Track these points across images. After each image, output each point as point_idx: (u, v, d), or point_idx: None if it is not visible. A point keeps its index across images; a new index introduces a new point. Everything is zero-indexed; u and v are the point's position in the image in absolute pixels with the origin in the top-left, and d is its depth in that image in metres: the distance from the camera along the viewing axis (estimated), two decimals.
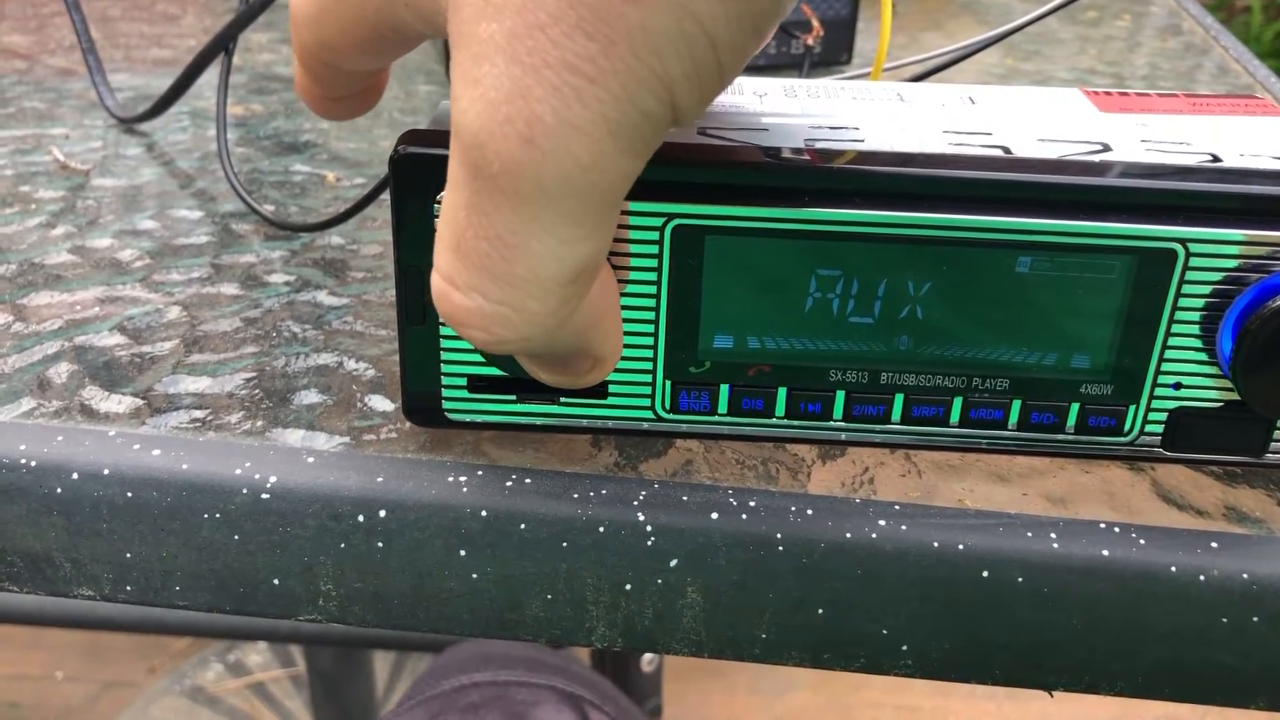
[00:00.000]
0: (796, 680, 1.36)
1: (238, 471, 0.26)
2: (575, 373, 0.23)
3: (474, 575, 0.26)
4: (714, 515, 0.25)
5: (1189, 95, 0.31)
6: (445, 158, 0.24)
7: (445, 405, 0.27)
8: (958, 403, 0.26)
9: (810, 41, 0.48)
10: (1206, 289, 0.25)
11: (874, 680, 1.36)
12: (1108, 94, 0.31)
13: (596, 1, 0.17)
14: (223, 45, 0.40)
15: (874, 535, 0.25)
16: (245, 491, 0.26)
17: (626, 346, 0.26)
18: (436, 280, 0.20)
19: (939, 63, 0.41)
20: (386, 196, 0.36)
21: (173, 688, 1.35)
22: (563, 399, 0.27)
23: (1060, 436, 0.26)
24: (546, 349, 0.21)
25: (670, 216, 0.24)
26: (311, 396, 0.29)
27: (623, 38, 0.17)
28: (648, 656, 0.85)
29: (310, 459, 0.26)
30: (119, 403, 0.28)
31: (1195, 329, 0.25)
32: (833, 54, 0.53)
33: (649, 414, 0.27)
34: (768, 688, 1.35)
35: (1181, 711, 1.29)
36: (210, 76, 0.43)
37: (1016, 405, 0.26)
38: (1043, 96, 0.31)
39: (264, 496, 0.26)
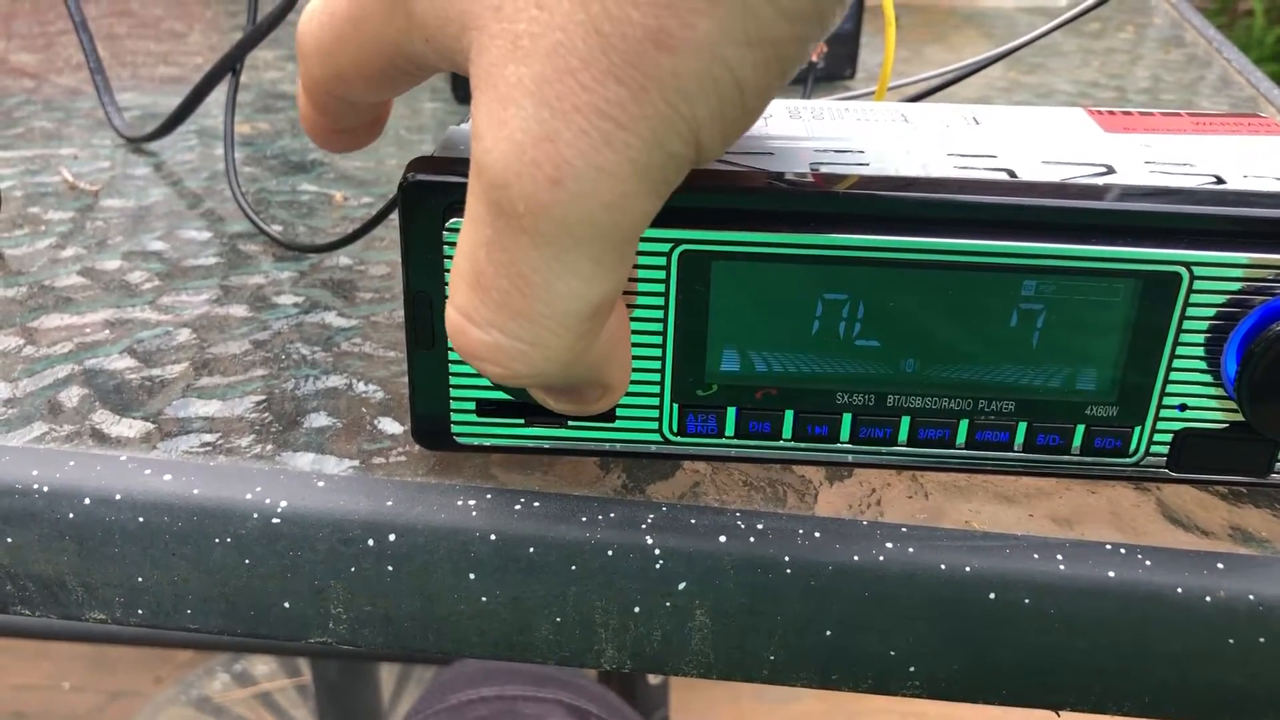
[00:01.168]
0: (801, 690, 1.36)
1: (249, 496, 0.26)
2: (585, 401, 0.23)
3: (483, 598, 0.26)
4: (722, 538, 0.25)
5: (1192, 114, 0.31)
6: (454, 185, 0.24)
7: (454, 429, 0.27)
8: (964, 425, 0.26)
9: (814, 58, 0.48)
10: (1211, 311, 0.25)
11: None
12: (1111, 113, 0.31)
13: (629, 48, 0.17)
14: (230, 66, 0.41)
15: (881, 557, 0.25)
16: (256, 516, 0.26)
17: (634, 370, 0.26)
18: (453, 315, 0.20)
19: (943, 80, 0.41)
20: (394, 217, 0.36)
21: (179, 697, 1.35)
22: (571, 422, 0.27)
23: (1066, 458, 0.27)
24: (561, 382, 0.21)
25: (677, 242, 0.24)
26: (321, 419, 0.29)
27: (654, 83, 0.17)
28: None
29: (320, 483, 0.26)
30: (130, 427, 0.28)
31: (1200, 351, 0.25)
32: (837, 69, 0.53)
33: (656, 437, 0.27)
34: (773, 695, 1.35)
35: None
36: (217, 95, 0.44)
37: (1022, 427, 0.26)
38: (1046, 116, 0.31)
39: (275, 521, 0.26)
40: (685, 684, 1.32)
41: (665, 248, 0.25)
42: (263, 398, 0.30)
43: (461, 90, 0.51)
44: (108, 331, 0.32)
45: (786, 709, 1.34)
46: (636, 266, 0.25)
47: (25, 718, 1.35)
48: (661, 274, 0.25)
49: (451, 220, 0.24)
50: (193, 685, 1.36)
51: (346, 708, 1.03)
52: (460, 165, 0.25)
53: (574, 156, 0.18)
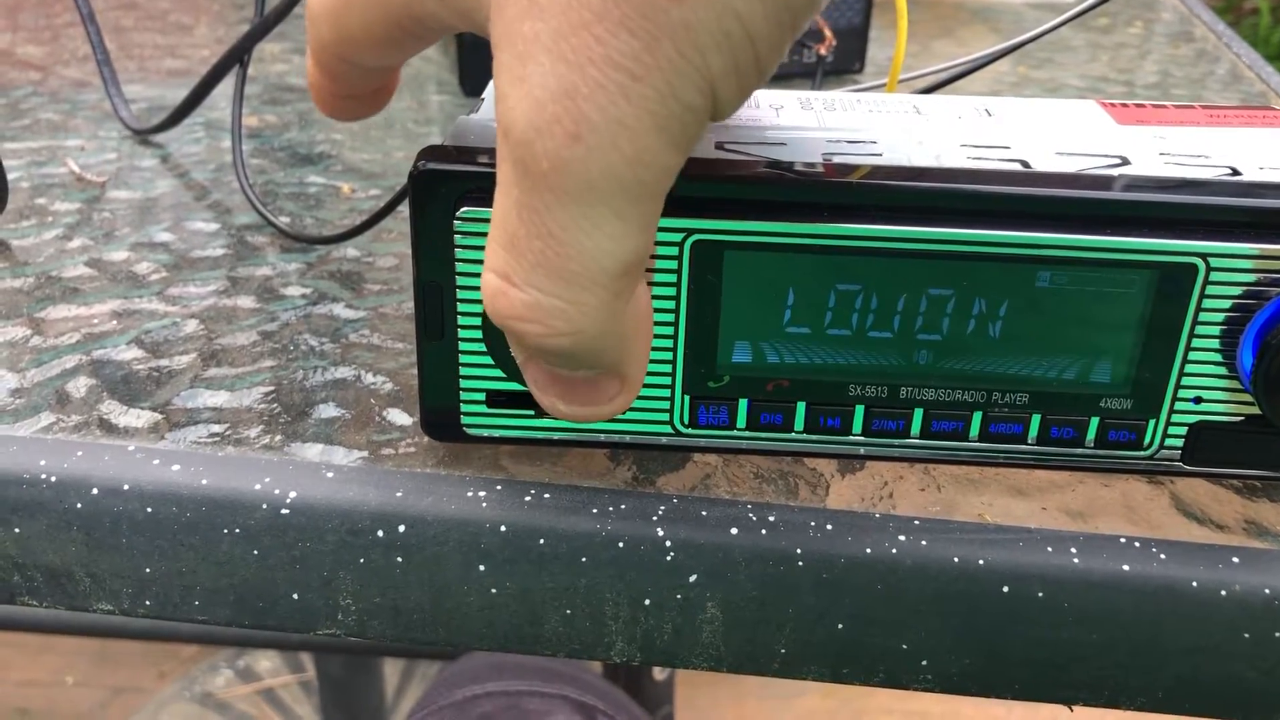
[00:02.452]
0: (806, 685, 1.36)
1: (257, 487, 0.26)
2: (599, 399, 0.23)
3: (493, 590, 0.26)
4: (733, 530, 0.25)
5: (1206, 107, 0.31)
6: (465, 174, 0.24)
7: (464, 420, 0.27)
8: (977, 417, 0.26)
9: (823, 51, 0.48)
10: (1227, 303, 0.25)
11: None
12: (1124, 106, 0.31)
13: (640, 0, 0.17)
14: (238, 57, 0.41)
15: (894, 550, 0.25)
16: (265, 506, 0.26)
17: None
18: (490, 278, 0.20)
19: (952, 73, 0.41)
20: (402, 209, 0.36)
21: (182, 693, 1.35)
22: None
23: (1080, 451, 0.26)
24: (592, 350, 0.21)
25: (690, 232, 0.24)
26: (330, 410, 0.29)
27: (666, 34, 0.18)
28: None
29: (330, 474, 0.26)
30: (138, 417, 0.28)
31: (1215, 343, 0.25)
32: (845, 63, 0.53)
33: (668, 429, 0.27)
34: (778, 692, 1.35)
35: None
36: (224, 87, 0.44)
37: (1036, 420, 0.26)
38: (1059, 109, 0.31)
39: (284, 511, 0.26)
40: (690, 681, 1.32)
41: (677, 238, 0.24)
42: (271, 389, 0.29)
43: (469, 83, 0.51)
44: (115, 322, 0.32)
45: (791, 705, 1.34)
46: (649, 256, 0.25)
47: (29, 713, 1.35)
48: (674, 264, 0.25)
49: (462, 209, 0.24)
50: (196, 681, 1.36)
51: (350, 704, 1.03)
52: (471, 154, 0.25)
53: (592, 110, 0.18)
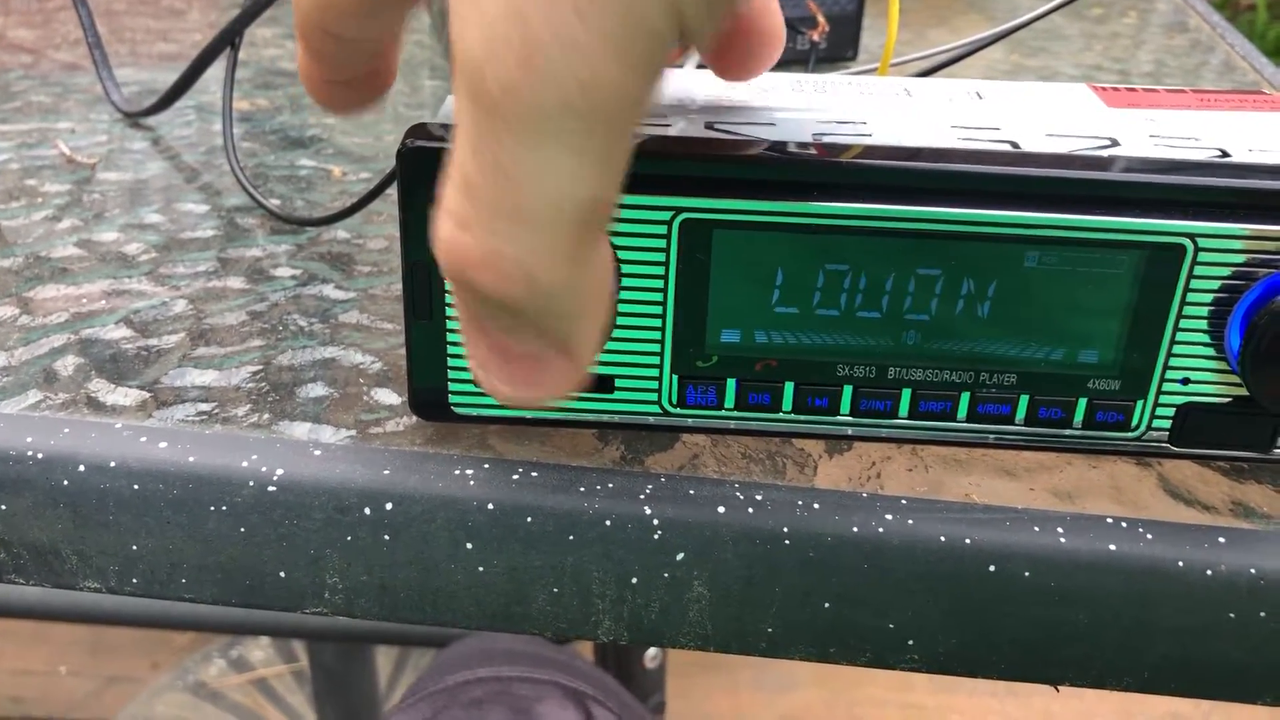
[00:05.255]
0: (800, 678, 1.36)
1: (244, 464, 0.26)
2: (543, 380, 0.21)
3: (480, 568, 0.26)
4: (721, 509, 0.25)
5: (1197, 91, 0.31)
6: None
7: (452, 399, 0.27)
8: (965, 398, 0.26)
9: (816, 38, 0.48)
10: (1215, 284, 0.25)
11: (878, 677, 1.36)
12: (1115, 90, 0.31)
13: None
14: (229, 39, 0.40)
15: (881, 529, 0.25)
16: (252, 484, 0.26)
17: (633, 340, 0.26)
18: (444, 223, 0.19)
19: (945, 58, 0.41)
20: (392, 191, 0.36)
21: (176, 683, 1.35)
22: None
23: (1068, 432, 0.26)
24: (544, 308, 0.19)
25: (678, 210, 0.24)
26: (318, 390, 0.29)
27: None
28: (651, 653, 0.85)
29: (317, 452, 0.26)
30: (125, 395, 0.28)
31: (1203, 324, 0.25)
32: (838, 50, 0.53)
33: (655, 408, 0.27)
34: (771, 684, 1.35)
35: (1185, 708, 1.29)
36: (215, 72, 0.43)
37: (1024, 400, 0.26)
38: (1050, 92, 0.31)
39: (270, 489, 0.26)
40: (682, 672, 1.32)
41: (666, 215, 0.24)
42: (259, 368, 0.29)
43: None
44: (104, 302, 0.32)
45: (784, 698, 1.34)
46: (636, 235, 0.25)
47: (22, 702, 1.35)
48: (662, 243, 0.25)
49: None
50: (189, 671, 1.36)
51: (343, 693, 1.03)
52: None
53: (543, 31, 0.17)
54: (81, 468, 0.26)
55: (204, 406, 0.28)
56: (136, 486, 0.26)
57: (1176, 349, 0.25)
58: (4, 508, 0.26)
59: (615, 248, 0.25)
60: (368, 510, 0.25)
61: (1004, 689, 1.34)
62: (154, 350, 0.30)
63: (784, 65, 0.51)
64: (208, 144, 0.43)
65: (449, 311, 0.25)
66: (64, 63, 0.52)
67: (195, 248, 0.35)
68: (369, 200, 0.35)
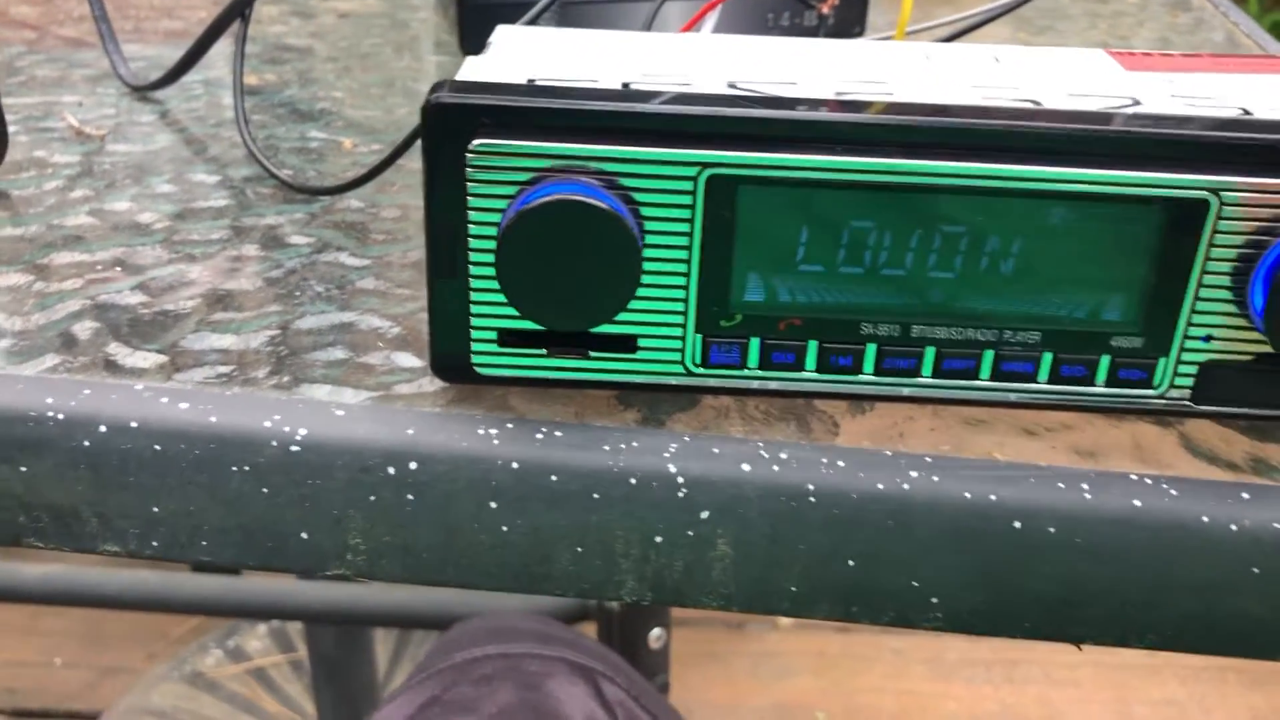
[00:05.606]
0: (796, 666, 1.36)
1: (267, 424, 0.26)
2: None
3: (504, 528, 0.26)
4: (745, 467, 0.25)
5: (1212, 55, 0.31)
6: (478, 106, 0.24)
7: (474, 360, 0.27)
8: (989, 356, 0.26)
9: (825, 10, 0.48)
10: (1239, 240, 0.25)
11: (874, 666, 1.36)
12: (1132, 54, 0.31)
13: None
14: (239, 12, 0.40)
15: (906, 486, 0.25)
16: (274, 444, 0.25)
17: (658, 300, 0.26)
18: None
19: (953, 30, 0.41)
20: (405, 162, 0.35)
21: (172, 674, 1.34)
22: (592, 353, 0.26)
23: (1090, 390, 0.26)
24: None
25: (705, 166, 0.24)
26: (338, 353, 0.28)
27: None
28: (655, 633, 0.85)
29: (340, 412, 0.26)
30: (144, 358, 0.28)
31: (1227, 280, 0.25)
32: (846, 26, 0.53)
33: (679, 369, 0.27)
34: (768, 673, 1.36)
35: (1179, 694, 1.29)
36: (221, 48, 0.43)
37: (1048, 358, 0.26)
38: (1068, 56, 0.31)
39: (293, 449, 0.25)
40: (680, 659, 1.32)
41: (692, 172, 0.24)
42: (277, 331, 0.29)
43: (468, 42, 0.51)
44: (119, 269, 0.32)
45: (781, 685, 1.34)
46: (662, 192, 0.25)
47: (17, 694, 1.34)
48: (689, 198, 0.25)
49: (475, 142, 0.24)
50: (186, 661, 1.35)
51: (341, 680, 1.03)
52: (483, 88, 0.25)
53: None
54: (103, 428, 0.26)
55: (223, 369, 0.28)
56: (158, 447, 0.26)
57: (1199, 305, 0.25)
58: (24, 469, 0.26)
59: (640, 205, 0.25)
60: (391, 470, 0.25)
61: (1000, 677, 1.34)
62: (171, 314, 0.30)
63: None
64: (216, 117, 0.43)
65: (473, 269, 0.25)
66: (68, 38, 0.51)
67: (208, 216, 0.35)
68: (382, 169, 0.35)
